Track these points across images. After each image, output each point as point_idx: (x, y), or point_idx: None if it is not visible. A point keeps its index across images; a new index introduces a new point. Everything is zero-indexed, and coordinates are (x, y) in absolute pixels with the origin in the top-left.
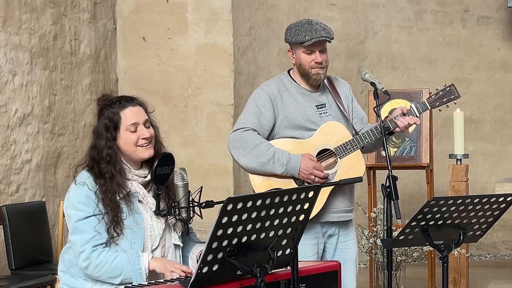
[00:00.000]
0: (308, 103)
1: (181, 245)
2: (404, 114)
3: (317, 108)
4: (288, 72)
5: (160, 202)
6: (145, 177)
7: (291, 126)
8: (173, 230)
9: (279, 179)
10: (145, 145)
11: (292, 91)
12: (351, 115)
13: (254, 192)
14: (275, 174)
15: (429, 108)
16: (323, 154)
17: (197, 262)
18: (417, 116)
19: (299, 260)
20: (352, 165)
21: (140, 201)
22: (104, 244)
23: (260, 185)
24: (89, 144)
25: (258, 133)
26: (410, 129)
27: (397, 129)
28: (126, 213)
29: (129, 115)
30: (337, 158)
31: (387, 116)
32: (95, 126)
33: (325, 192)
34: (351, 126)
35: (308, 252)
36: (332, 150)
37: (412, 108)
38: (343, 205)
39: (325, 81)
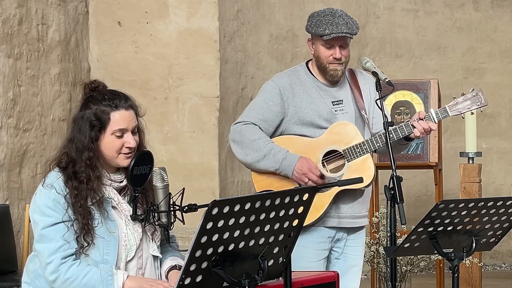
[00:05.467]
0: (323, 98)
1: (160, 256)
2: (421, 120)
3: (333, 105)
4: (307, 63)
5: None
6: (121, 182)
7: (301, 123)
8: (151, 240)
9: (281, 179)
10: (127, 153)
11: (307, 85)
12: (371, 115)
13: (255, 189)
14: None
15: (450, 115)
16: (331, 155)
17: (166, 278)
18: (435, 122)
19: (292, 270)
20: (360, 170)
21: (114, 207)
22: (74, 256)
23: (261, 183)
24: (67, 135)
25: (260, 128)
26: None
27: (412, 135)
28: (98, 220)
29: (119, 119)
30: (345, 161)
31: (408, 121)
32: (76, 115)
33: (326, 197)
34: (368, 128)
35: (312, 257)
36: (340, 152)
37: (431, 114)
38: (352, 210)
39: (347, 74)
